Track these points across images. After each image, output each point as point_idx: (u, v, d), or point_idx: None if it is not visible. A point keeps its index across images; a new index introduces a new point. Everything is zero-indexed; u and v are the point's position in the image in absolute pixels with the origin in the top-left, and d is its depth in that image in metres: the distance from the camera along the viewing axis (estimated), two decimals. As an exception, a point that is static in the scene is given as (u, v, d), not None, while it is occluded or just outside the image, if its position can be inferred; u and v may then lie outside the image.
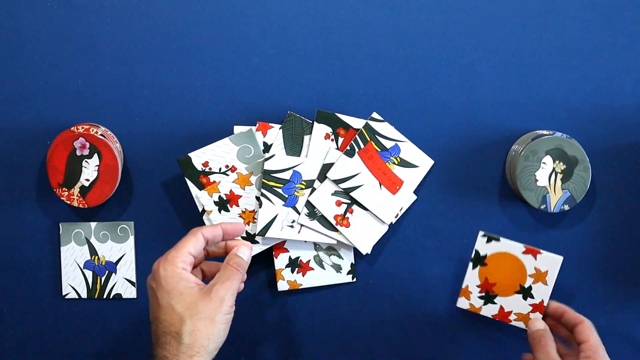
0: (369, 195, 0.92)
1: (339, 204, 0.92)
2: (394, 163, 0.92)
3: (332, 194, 0.91)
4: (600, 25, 0.92)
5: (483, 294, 0.91)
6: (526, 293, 0.91)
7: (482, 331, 0.96)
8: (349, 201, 0.92)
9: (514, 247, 0.89)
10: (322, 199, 0.91)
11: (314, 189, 0.92)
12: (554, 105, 0.93)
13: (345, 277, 0.95)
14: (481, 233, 0.89)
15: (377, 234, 0.93)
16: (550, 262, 0.90)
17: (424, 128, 0.94)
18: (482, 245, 0.90)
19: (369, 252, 0.93)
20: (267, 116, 0.93)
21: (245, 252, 0.82)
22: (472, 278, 0.91)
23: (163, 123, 0.94)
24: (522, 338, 0.90)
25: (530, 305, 0.91)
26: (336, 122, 0.92)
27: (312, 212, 0.91)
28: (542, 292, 0.90)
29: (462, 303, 0.92)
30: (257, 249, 0.93)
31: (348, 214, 0.92)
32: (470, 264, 0.90)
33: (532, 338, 0.86)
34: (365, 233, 0.92)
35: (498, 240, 0.90)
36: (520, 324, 0.91)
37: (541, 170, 0.89)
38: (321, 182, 0.92)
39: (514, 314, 0.91)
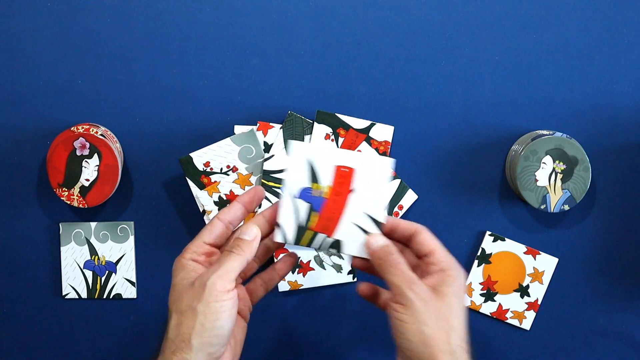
0: None
1: None
2: None
3: None
4: (600, 25, 0.93)
5: (485, 292, 0.93)
6: (524, 291, 0.94)
7: (481, 330, 0.96)
8: None
9: (516, 247, 0.92)
10: None
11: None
12: (554, 105, 0.93)
13: (345, 277, 0.95)
14: (488, 232, 0.93)
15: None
16: (547, 263, 0.93)
17: (424, 128, 0.94)
18: (489, 244, 0.93)
19: None
20: (267, 116, 0.93)
21: (246, 231, 0.71)
22: (475, 275, 0.93)
23: (163, 123, 0.94)
24: (521, 338, 0.91)
25: (526, 303, 0.93)
26: (336, 122, 0.92)
27: None
28: (538, 291, 0.93)
29: None
30: (258, 249, 0.93)
31: None
32: (476, 262, 0.93)
33: (378, 258, 0.70)
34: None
35: (503, 240, 0.93)
36: (516, 322, 0.94)
37: (541, 170, 0.89)
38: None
39: (511, 311, 0.93)
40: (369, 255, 0.71)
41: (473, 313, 0.94)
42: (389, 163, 0.72)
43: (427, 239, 0.71)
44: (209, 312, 0.65)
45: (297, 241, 0.73)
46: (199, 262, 0.70)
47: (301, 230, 0.73)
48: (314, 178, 0.73)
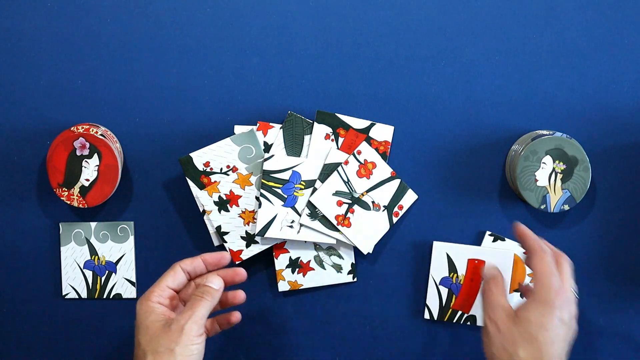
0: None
1: (340, 204, 0.92)
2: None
3: (333, 194, 0.91)
4: (600, 25, 0.93)
5: None
6: None
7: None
8: (350, 201, 0.92)
9: (516, 247, 0.92)
10: (323, 199, 0.91)
11: (315, 190, 0.92)
12: (554, 105, 0.93)
13: (345, 277, 0.95)
14: (488, 232, 0.93)
15: (378, 233, 0.93)
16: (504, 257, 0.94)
17: (424, 128, 0.94)
18: (489, 244, 0.93)
19: (370, 252, 0.93)
20: (267, 116, 0.93)
21: (214, 280, 0.80)
22: None
23: (163, 123, 0.94)
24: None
25: None
26: (336, 122, 0.92)
27: (314, 212, 0.91)
28: None
29: None
30: (257, 249, 0.93)
31: (349, 214, 0.92)
32: None
33: (484, 282, 0.82)
34: (366, 233, 0.92)
35: (503, 240, 0.93)
36: None
37: (541, 170, 0.89)
38: (322, 182, 0.92)
39: None
40: (483, 283, 0.83)
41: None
42: (511, 256, 0.90)
43: (535, 260, 0.79)
44: (186, 354, 0.74)
45: (441, 318, 0.94)
46: (163, 305, 0.78)
47: (445, 308, 0.94)
48: (452, 268, 0.93)
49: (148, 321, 0.75)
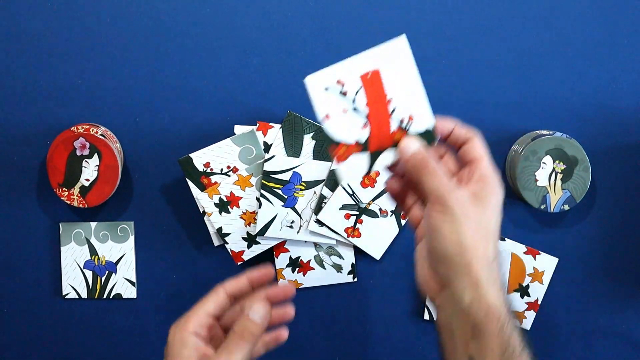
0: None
1: (347, 217, 0.92)
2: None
3: (340, 209, 0.91)
4: (600, 25, 0.93)
5: None
6: (524, 291, 0.93)
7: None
8: (358, 212, 0.92)
9: (516, 247, 0.92)
10: (331, 215, 0.91)
11: (322, 197, 0.91)
12: (554, 105, 0.93)
13: (345, 277, 0.95)
14: None
15: (388, 238, 0.93)
16: (547, 263, 0.93)
17: (424, 128, 0.94)
18: None
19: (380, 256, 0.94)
20: (267, 116, 0.93)
21: (259, 311, 0.68)
22: None
23: (163, 123, 0.93)
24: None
25: (526, 303, 0.93)
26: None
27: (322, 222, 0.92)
28: (538, 291, 0.92)
29: None
30: (259, 249, 0.93)
31: (358, 225, 0.92)
32: None
33: (414, 164, 0.65)
34: (376, 240, 0.93)
35: (503, 240, 0.93)
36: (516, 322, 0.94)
37: (541, 170, 0.89)
38: (329, 188, 0.92)
39: None
40: (404, 162, 0.66)
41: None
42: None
43: (477, 146, 0.66)
44: None
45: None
46: (200, 336, 0.68)
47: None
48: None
49: (181, 355, 0.66)
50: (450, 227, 0.62)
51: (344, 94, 0.65)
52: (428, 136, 0.67)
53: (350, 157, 0.65)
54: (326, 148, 0.91)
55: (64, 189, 0.89)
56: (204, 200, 0.91)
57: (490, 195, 0.64)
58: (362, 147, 0.66)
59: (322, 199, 0.92)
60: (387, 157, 0.66)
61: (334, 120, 0.65)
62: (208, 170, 0.91)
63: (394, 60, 0.66)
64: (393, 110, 0.66)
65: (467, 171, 0.66)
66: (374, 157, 0.66)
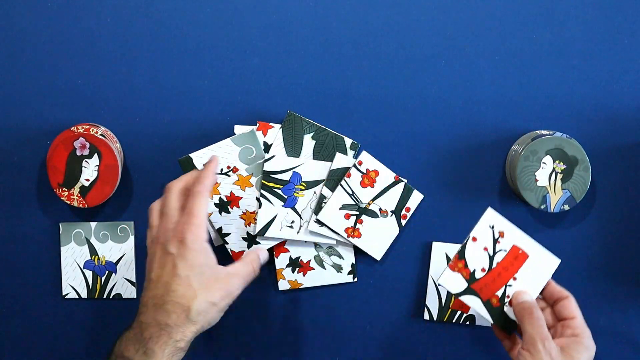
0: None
1: (347, 217, 0.92)
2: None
3: (340, 209, 0.91)
4: (600, 25, 0.93)
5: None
6: None
7: (481, 330, 0.96)
8: (358, 212, 0.92)
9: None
10: (331, 215, 0.91)
11: (321, 197, 0.91)
12: (554, 105, 0.93)
13: (345, 277, 0.95)
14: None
15: (389, 238, 0.93)
16: (548, 262, 0.92)
17: (424, 128, 0.94)
18: None
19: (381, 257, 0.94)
20: (267, 116, 0.93)
21: (263, 254, 0.86)
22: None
23: (163, 123, 0.94)
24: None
25: None
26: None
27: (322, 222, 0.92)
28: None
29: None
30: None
31: (358, 225, 0.92)
32: None
33: (522, 309, 0.80)
34: (376, 240, 0.93)
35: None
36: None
37: (541, 170, 0.89)
38: (329, 188, 0.92)
39: None
40: (514, 306, 0.80)
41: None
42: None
43: (571, 306, 0.80)
44: (223, 311, 0.80)
45: (441, 318, 0.93)
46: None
47: (445, 308, 0.94)
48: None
49: (204, 264, 0.79)
50: None
51: (497, 241, 0.82)
52: (509, 324, 0.82)
53: (458, 274, 0.81)
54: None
55: (64, 189, 0.89)
56: (204, 200, 0.91)
57: (583, 351, 0.77)
58: (470, 277, 0.81)
59: (322, 199, 0.92)
60: (472, 301, 0.82)
61: (474, 245, 0.81)
62: (208, 170, 0.91)
63: (543, 262, 0.83)
64: (509, 285, 0.82)
65: (561, 325, 0.80)
66: (469, 291, 0.82)
